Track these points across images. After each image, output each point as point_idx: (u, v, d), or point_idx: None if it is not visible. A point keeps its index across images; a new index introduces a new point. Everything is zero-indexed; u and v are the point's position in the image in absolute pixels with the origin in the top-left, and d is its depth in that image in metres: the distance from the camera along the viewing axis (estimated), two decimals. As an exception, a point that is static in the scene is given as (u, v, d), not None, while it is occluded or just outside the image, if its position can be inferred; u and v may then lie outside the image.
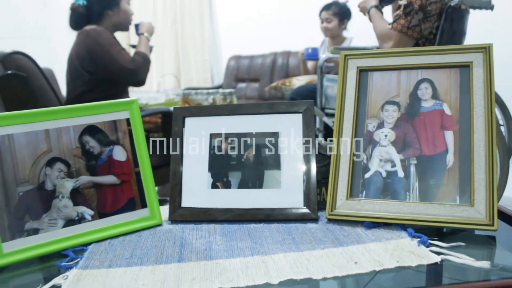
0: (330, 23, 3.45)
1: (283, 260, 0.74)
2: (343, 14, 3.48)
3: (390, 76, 0.96)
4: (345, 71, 0.99)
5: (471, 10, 1.97)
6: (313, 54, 3.38)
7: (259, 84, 4.63)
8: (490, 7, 1.82)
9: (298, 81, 3.09)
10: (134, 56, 2.33)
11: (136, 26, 2.50)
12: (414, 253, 0.74)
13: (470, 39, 2.14)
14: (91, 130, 0.91)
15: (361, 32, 3.38)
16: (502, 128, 2.08)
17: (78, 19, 2.35)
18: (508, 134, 2.06)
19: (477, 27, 2.25)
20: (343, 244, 0.80)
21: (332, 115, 2.40)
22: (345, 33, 3.57)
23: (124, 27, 2.45)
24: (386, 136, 0.93)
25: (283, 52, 4.65)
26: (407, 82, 0.95)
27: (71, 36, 2.43)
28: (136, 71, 2.29)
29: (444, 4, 1.86)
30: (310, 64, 3.55)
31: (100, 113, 0.92)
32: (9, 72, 1.77)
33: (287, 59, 4.55)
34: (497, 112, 2.10)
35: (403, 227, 0.86)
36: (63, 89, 2.19)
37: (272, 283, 0.67)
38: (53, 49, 6.35)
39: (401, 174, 0.90)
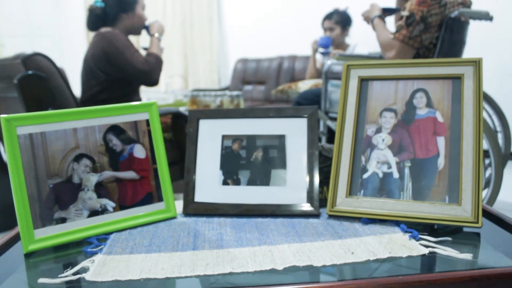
0: (333, 32, 3.52)
1: (287, 250, 0.83)
2: (345, 22, 3.55)
3: (388, 85, 1.05)
4: (347, 80, 1.08)
5: (471, 21, 2.05)
6: (326, 44, 3.41)
7: (265, 87, 4.72)
8: (489, 18, 1.91)
9: (304, 85, 3.17)
10: (147, 57, 2.41)
11: (147, 27, 2.57)
12: (405, 246, 0.83)
13: (470, 48, 2.22)
14: (114, 129, 0.99)
15: (362, 37, 3.46)
16: (499, 135, 2.16)
17: (95, 20, 2.45)
18: (505, 140, 2.14)
19: (479, 36, 2.33)
20: (342, 237, 0.89)
21: (335, 119, 2.48)
22: (347, 40, 3.65)
23: (137, 31, 2.54)
24: (383, 140, 1.02)
25: (289, 56, 4.74)
26: (404, 91, 1.03)
27: (82, 34, 2.52)
28: (149, 72, 2.38)
29: (445, 16, 1.94)
30: (319, 63, 3.61)
31: (122, 114, 1.00)
32: (30, 72, 1.86)
33: (293, 63, 4.64)
34: (495, 119, 2.18)
35: (397, 223, 0.94)
36: (74, 87, 2.28)
37: (277, 269, 0.75)
38: (64, 48, 6.46)
39: (396, 175, 0.99)
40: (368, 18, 2.32)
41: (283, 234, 0.91)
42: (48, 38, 6.24)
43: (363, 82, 1.07)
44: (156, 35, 2.53)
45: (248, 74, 4.92)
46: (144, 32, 2.59)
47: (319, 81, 3.22)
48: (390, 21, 2.44)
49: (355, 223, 0.97)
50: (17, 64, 1.93)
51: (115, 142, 0.99)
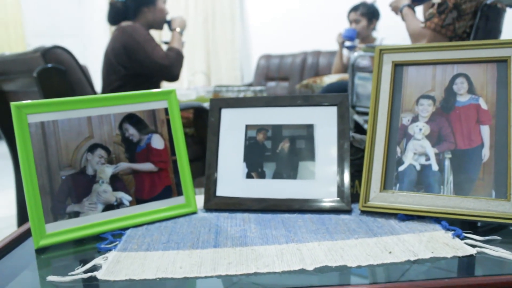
0: (358, 24, 3.43)
1: (317, 248, 0.75)
2: (372, 14, 3.45)
3: (425, 71, 0.96)
4: (380, 66, 1.00)
5: (507, 9, 1.95)
6: (351, 36, 3.32)
7: (289, 83, 4.65)
8: (528, 5, 1.80)
9: (329, 79, 3.08)
10: (167, 52, 2.37)
11: (168, 22, 2.54)
12: (448, 245, 0.74)
13: (506, 38, 2.10)
14: (131, 118, 0.93)
15: (390, 31, 3.36)
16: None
17: (116, 14, 2.42)
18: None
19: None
20: (377, 234, 0.81)
21: (363, 113, 2.39)
22: (374, 34, 3.55)
23: (158, 26, 2.50)
24: (420, 130, 0.93)
25: (313, 52, 4.65)
26: (442, 76, 0.95)
27: (105, 34, 2.50)
28: (170, 67, 2.33)
29: (480, 3, 1.84)
30: (345, 58, 3.52)
31: (139, 102, 0.94)
32: (49, 65, 1.82)
33: (317, 59, 4.55)
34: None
35: (437, 220, 0.86)
36: (96, 85, 2.25)
37: (307, 269, 0.68)
38: (87, 46, 6.50)
39: (435, 167, 0.90)
40: (396, 8, 2.23)
41: (312, 231, 0.83)
42: (72, 37, 6.29)
43: (397, 67, 0.99)
44: (178, 29, 2.49)
45: (271, 71, 4.85)
46: (165, 27, 2.55)
47: (345, 75, 3.12)
48: (419, 11, 2.34)
49: (390, 219, 0.89)
50: (36, 58, 1.89)
51: (132, 132, 0.93)
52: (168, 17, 2.55)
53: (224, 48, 5.48)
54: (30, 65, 1.92)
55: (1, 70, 2.25)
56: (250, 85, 4.86)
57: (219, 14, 5.50)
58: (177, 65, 2.39)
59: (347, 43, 3.36)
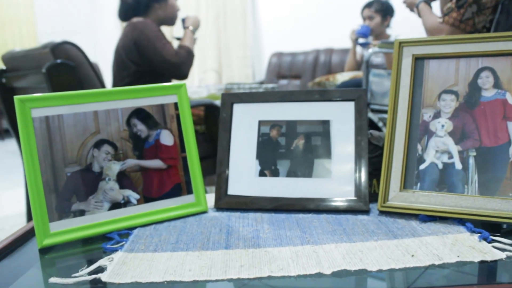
0: (372, 21, 3.38)
1: (334, 251, 0.71)
2: (386, 11, 3.40)
3: (447, 64, 0.91)
4: (399, 59, 0.95)
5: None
6: (365, 33, 3.27)
7: (301, 81, 4.60)
8: (551, -1, 1.73)
9: (342, 77, 3.03)
10: (178, 50, 2.33)
11: (183, 20, 2.52)
12: (475, 249, 0.70)
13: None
14: (139, 113, 0.89)
15: (404, 29, 3.30)
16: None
17: (126, 10, 2.39)
18: None
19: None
20: (398, 236, 0.76)
21: (377, 111, 2.34)
22: (388, 31, 3.49)
23: (170, 22, 2.47)
24: (443, 126, 0.89)
25: (325, 49, 4.60)
26: (466, 70, 0.90)
27: (116, 32, 2.48)
28: (179, 64, 2.30)
29: (501, -4, 1.77)
30: (359, 55, 3.47)
31: (148, 96, 0.91)
32: (58, 61, 1.79)
33: (330, 56, 4.50)
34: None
35: (460, 221, 0.81)
36: (106, 83, 2.23)
37: (324, 273, 0.64)
38: (98, 44, 6.50)
39: (458, 166, 0.86)
40: (412, 4, 2.16)
41: (329, 232, 0.79)
42: (83, 35, 6.29)
43: (418, 61, 0.94)
44: (191, 28, 2.46)
45: (283, 68, 4.80)
46: (179, 24, 2.52)
47: (358, 73, 3.07)
48: (435, 7, 2.28)
49: (411, 220, 0.84)
50: (46, 53, 1.86)
51: (140, 127, 0.89)
52: (183, 16, 2.52)
53: (236, 46, 5.45)
54: (40, 61, 1.89)
55: (11, 67, 2.23)
56: (261, 83, 4.82)
57: (231, 11, 5.46)
58: (187, 64, 2.35)
59: (361, 40, 3.31)
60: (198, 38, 2.64)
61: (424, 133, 0.90)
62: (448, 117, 0.89)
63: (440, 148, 0.88)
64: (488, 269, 0.65)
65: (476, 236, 0.74)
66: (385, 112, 2.32)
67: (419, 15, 2.11)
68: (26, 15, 6.95)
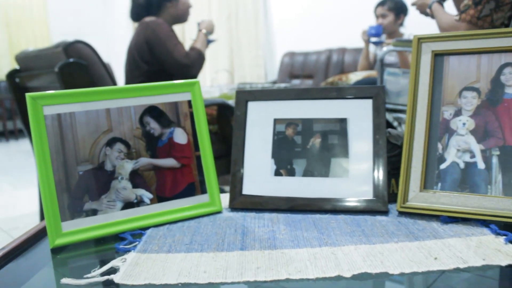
0: (385, 19, 3.33)
1: (354, 253, 0.69)
2: (399, 9, 3.35)
3: (468, 61, 0.89)
4: (418, 56, 0.92)
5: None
6: (376, 33, 3.23)
7: (313, 81, 4.56)
8: None
9: (356, 76, 3.00)
10: (189, 51, 2.32)
11: (198, 24, 2.53)
12: (501, 251, 0.67)
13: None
14: (152, 111, 0.88)
15: (418, 28, 3.25)
16: None
17: (138, 10, 2.39)
18: None
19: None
20: (419, 238, 0.74)
21: (392, 110, 2.30)
22: (402, 30, 3.45)
23: (182, 19, 2.47)
24: (464, 124, 0.86)
25: (338, 49, 4.56)
26: (488, 66, 0.87)
27: (129, 33, 2.47)
28: (189, 66, 2.28)
29: (520, -8, 1.73)
30: (372, 55, 3.43)
31: (161, 93, 0.89)
32: (71, 60, 1.79)
33: (343, 56, 4.46)
34: None
35: (484, 223, 0.79)
36: (119, 84, 2.23)
37: (344, 276, 0.61)
38: (111, 45, 6.52)
39: (481, 165, 0.83)
40: (424, 6, 2.12)
41: (347, 234, 0.76)
42: (95, 36, 6.32)
43: (438, 57, 0.91)
44: (204, 31, 2.45)
45: (295, 68, 4.77)
46: (189, 26, 2.53)
47: (372, 72, 3.04)
48: (447, 6, 2.24)
49: (432, 221, 0.81)
50: (58, 53, 1.86)
51: (153, 125, 0.88)
52: (198, 20, 2.53)
53: (248, 46, 5.43)
54: (52, 60, 1.89)
55: (24, 66, 2.24)
56: (274, 83, 4.80)
57: (243, 10, 5.45)
58: (197, 66, 2.34)
59: (374, 39, 3.27)
60: (216, 40, 2.64)
61: (445, 132, 0.87)
62: (469, 115, 0.86)
63: (462, 147, 0.85)
64: (515, 272, 0.63)
65: (501, 239, 0.71)
66: (400, 111, 2.29)
67: (432, 16, 2.07)
68: (39, 16, 7.01)
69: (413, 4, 2.19)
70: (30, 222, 2.77)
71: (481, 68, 0.87)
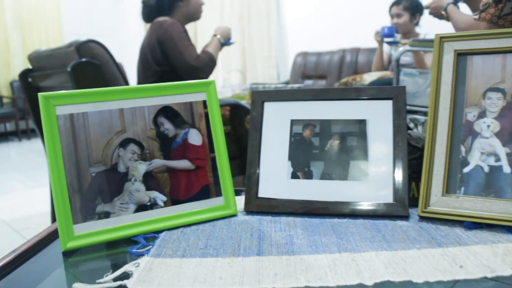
0: (400, 18, 3.29)
1: (375, 259, 0.66)
2: (415, 9, 3.30)
3: (493, 60, 0.85)
4: (440, 55, 0.89)
5: None
6: (389, 34, 3.18)
7: (326, 81, 4.53)
8: None
9: (370, 77, 2.96)
10: (200, 54, 2.31)
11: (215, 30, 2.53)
12: (530, 260, 0.64)
13: None
14: (166, 111, 0.86)
15: (434, 28, 3.21)
16: None
17: (149, 11, 2.38)
18: None
19: None
20: (442, 244, 0.71)
21: (409, 111, 2.27)
22: (417, 29, 3.40)
23: (195, 17, 2.46)
24: (488, 126, 0.83)
25: (352, 49, 4.52)
26: (514, 66, 0.84)
27: (141, 33, 2.47)
28: (198, 69, 2.26)
29: (542, -9, 1.69)
30: (386, 55, 3.39)
31: (176, 93, 0.87)
32: (84, 59, 1.78)
33: (356, 56, 4.42)
34: None
35: (510, 230, 0.75)
36: (131, 83, 2.22)
37: (366, 284, 0.59)
38: (123, 46, 6.54)
39: (507, 169, 0.80)
40: (439, 8, 2.07)
41: (367, 239, 0.74)
42: (108, 36, 6.33)
43: (461, 57, 0.88)
44: (218, 36, 2.44)
45: (308, 68, 4.73)
46: (201, 28, 2.52)
47: (386, 73, 3.00)
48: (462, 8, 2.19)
49: (455, 227, 0.78)
50: (71, 52, 1.85)
51: (167, 126, 0.86)
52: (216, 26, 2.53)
53: (260, 46, 5.41)
54: (65, 60, 1.88)
55: (37, 66, 2.23)
56: (286, 83, 4.77)
57: (255, 10, 5.43)
58: (207, 70, 2.32)
59: (388, 39, 3.22)
60: (234, 42, 2.64)
61: (468, 134, 0.84)
62: (494, 117, 0.83)
63: (486, 150, 0.82)
64: (546, 282, 0.60)
65: (529, 246, 0.68)
66: (416, 112, 2.25)
67: (447, 18, 2.03)
68: (52, 16, 7.04)
69: (426, 7, 2.15)
70: (42, 222, 2.77)
71: (507, 68, 0.84)
